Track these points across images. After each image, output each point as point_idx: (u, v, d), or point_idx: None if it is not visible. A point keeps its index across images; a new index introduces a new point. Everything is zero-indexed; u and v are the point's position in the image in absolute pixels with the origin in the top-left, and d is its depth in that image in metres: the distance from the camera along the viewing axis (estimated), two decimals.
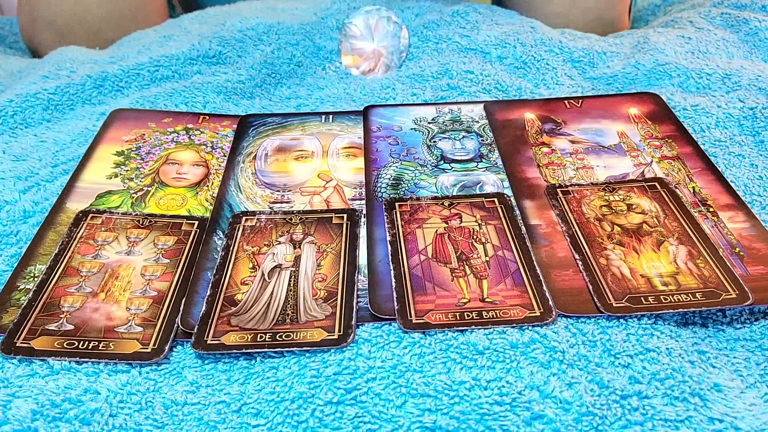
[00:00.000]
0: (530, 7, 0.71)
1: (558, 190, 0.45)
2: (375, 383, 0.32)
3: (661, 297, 0.36)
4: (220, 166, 0.50)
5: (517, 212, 0.43)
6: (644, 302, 0.36)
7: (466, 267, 0.39)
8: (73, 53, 0.62)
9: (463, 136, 0.52)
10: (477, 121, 0.53)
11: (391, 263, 0.39)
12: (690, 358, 0.34)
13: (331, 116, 0.54)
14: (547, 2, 0.70)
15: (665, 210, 0.42)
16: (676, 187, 0.45)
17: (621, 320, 0.35)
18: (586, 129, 0.52)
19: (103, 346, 0.35)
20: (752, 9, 0.67)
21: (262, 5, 0.71)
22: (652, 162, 0.48)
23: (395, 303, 0.36)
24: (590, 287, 0.37)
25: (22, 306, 0.37)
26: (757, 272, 0.38)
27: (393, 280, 0.38)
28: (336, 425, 0.31)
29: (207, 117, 0.55)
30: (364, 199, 0.45)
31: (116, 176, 0.48)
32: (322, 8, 0.67)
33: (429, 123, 0.53)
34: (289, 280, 0.39)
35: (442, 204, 0.44)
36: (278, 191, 0.47)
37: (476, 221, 0.42)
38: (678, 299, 0.36)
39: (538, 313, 0.36)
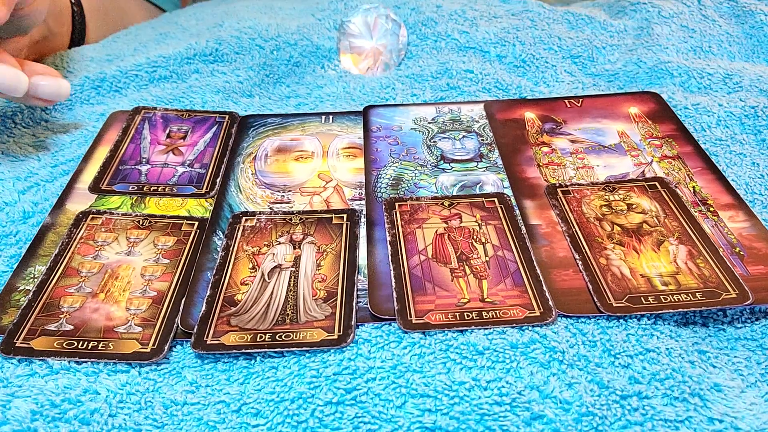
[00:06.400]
0: None
1: (558, 189, 0.45)
2: (375, 383, 0.32)
3: (661, 297, 0.36)
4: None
5: (517, 212, 0.43)
6: (644, 302, 0.36)
7: (466, 267, 0.39)
8: (69, 52, 0.62)
9: (463, 136, 0.51)
10: (477, 121, 0.53)
11: (391, 263, 0.39)
12: (690, 357, 0.34)
13: (331, 117, 0.54)
14: None
15: (665, 210, 0.42)
16: (676, 187, 0.45)
17: (621, 320, 0.35)
18: (586, 128, 0.52)
19: (102, 346, 0.35)
20: None
21: (260, 4, 0.71)
22: (652, 161, 0.48)
23: (395, 303, 0.36)
24: (590, 287, 0.37)
25: (22, 306, 0.37)
26: (757, 272, 0.38)
27: (393, 280, 0.38)
28: (336, 425, 0.31)
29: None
30: (364, 199, 0.45)
31: None
32: (321, 8, 0.67)
33: (429, 123, 0.53)
34: (289, 281, 0.39)
35: (442, 204, 0.44)
36: (278, 191, 0.47)
37: (476, 221, 0.42)
38: (678, 299, 0.36)
39: (538, 313, 0.35)
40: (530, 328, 0.35)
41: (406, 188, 0.46)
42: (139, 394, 0.33)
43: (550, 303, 0.36)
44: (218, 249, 0.41)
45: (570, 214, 0.43)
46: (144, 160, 0.50)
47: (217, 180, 0.48)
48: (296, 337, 0.35)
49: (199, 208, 0.46)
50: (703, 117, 0.52)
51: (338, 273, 0.39)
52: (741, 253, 0.39)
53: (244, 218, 0.44)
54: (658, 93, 0.55)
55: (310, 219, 0.43)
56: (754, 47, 0.62)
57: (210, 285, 0.38)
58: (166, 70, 0.59)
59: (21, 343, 0.35)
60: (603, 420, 0.31)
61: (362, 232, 0.42)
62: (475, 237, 0.41)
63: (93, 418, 0.31)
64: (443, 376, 0.32)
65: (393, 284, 0.38)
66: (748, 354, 0.35)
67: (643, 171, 0.47)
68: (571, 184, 0.45)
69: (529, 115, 0.53)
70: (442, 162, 0.49)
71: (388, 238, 0.41)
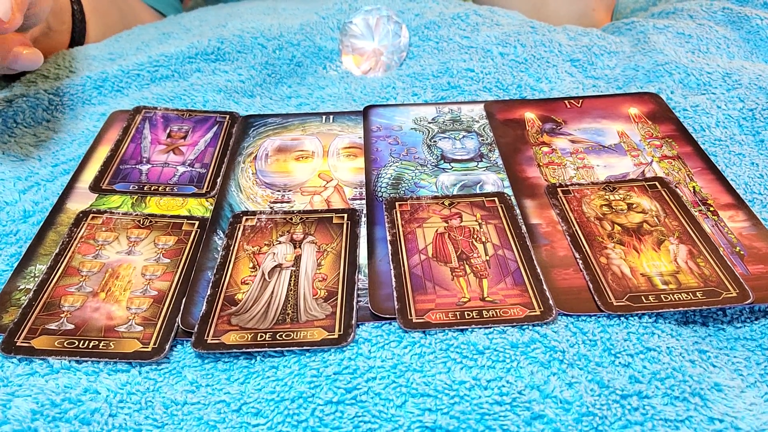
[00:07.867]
0: None
1: (558, 189, 0.45)
2: (375, 383, 0.32)
3: (662, 296, 0.36)
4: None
5: (518, 211, 0.43)
6: (645, 301, 0.36)
7: (467, 266, 0.39)
8: (71, 51, 0.62)
9: (464, 136, 0.52)
10: (477, 121, 0.53)
11: (391, 263, 0.39)
12: (690, 357, 0.34)
13: (331, 116, 0.54)
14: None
15: (665, 209, 0.42)
16: (676, 187, 0.45)
17: (621, 318, 0.35)
18: (586, 129, 0.52)
19: (103, 346, 0.35)
20: (753, 5, 0.66)
21: (262, 5, 0.71)
22: (652, 161, 0.48)
23: (395, 302, 0.36)
24: (591, 286, 0.37)
25: (23, 306, 0.37)
26: (757, 271, 0.38)
27: (393, 279, 0.38)
28: (336, 425, 0.31)
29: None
30: (364, 198, 0.45)
31: None
32: (323, 8, 0.67)
33: (429, 123, 0.53)
34: (290, 280, 0.39)
35: (443, 203, 0.44)
36: (279, 191, 0.47)
37: (476, 221, 0.42)
38: (678, 298, 0.36)
39: (538, 312, 0.36)
40: (530, 327, 0.35)
41: (407, 188, 0.46)
42: (140, 394, 0.33)
43: (551, 302, 0.36)
44: (219, 248, 0.41)
45: (570, 214, 0.43)
46: (144, 159, 0.50)
47: (218, 180, 0.48)
48: (297, 336, 0.35)
49: (200, 207, 0.46)
50: (702, 118, 0.52)
51: (339, 272, 0.39)
52: (741, 252, 0.39)
53: (244, 218, 0.44)
54: (657, 94, 0.55)
55: (310, 218, 0.43)
56: (752, 49, 0.62)
57: (210, 284, 0.38)
58: (167, 69, 0.59)
59: (21, 343, 0.35)
60: (603, 420, 0.31)
61: (363, 231, 0.42)
62: (475, 236, 0.41)
63: (93, 417, 0.31)
64: (443, 376, 0.32)
65: (393, 283, 0.38)
66: (748, 354, 0.35)
67: (643, 171, 0.47)
68: (572, 184, 0.45)
69: (529, 115, 0.53)
70: (442, 162, 0.49)
71: (389, 238, 0.41)
